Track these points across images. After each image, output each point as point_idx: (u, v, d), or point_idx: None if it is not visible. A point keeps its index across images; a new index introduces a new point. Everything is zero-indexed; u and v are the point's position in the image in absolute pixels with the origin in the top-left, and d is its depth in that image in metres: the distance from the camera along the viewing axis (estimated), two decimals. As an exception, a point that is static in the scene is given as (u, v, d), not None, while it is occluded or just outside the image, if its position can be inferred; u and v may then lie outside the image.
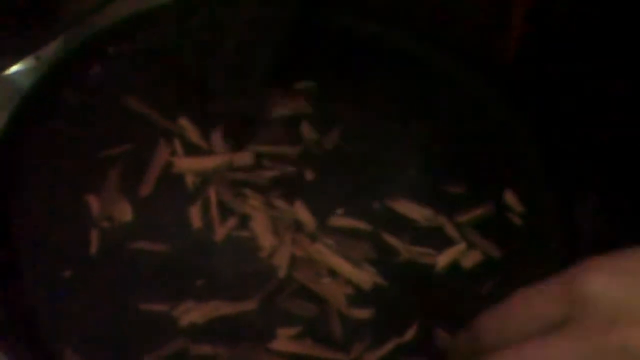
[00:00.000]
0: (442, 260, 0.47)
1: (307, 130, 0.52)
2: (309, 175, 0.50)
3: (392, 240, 0.47)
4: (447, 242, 0.47)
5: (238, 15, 0.59)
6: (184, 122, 0.52)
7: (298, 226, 0.47)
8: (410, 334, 0.43)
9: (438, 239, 0.48)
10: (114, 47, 0.56)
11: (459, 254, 0.47)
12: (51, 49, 0.56)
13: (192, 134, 0.51)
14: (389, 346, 0.43)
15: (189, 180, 0.49)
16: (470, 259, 0.47)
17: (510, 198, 0.50)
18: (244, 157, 0.50)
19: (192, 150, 0.50)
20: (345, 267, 0.45)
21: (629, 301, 0.31)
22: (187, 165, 0.50)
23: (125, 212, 0.47)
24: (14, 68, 0.55)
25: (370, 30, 0.58)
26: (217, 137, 0.51)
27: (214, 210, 0.47)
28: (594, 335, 0.30)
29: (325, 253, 0.46)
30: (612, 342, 0.30)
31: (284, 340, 0.42)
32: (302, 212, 0.48)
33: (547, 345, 0.31)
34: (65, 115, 0.52)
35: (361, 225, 0.48)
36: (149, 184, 0.48)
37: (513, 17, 0.56)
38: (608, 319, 0.30)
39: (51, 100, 0.52)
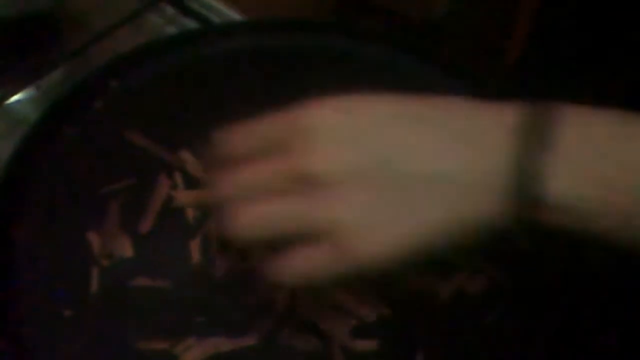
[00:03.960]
0: (446, 287, 0.46)
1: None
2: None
3: (394, 267, 0.46)
4: (452, 268, 0.46)
5: (240, 45, 0.59)
6: (186, 156, 0.52)
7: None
8: (415, 365, 0.43)
9: (442, 265, 0.47)
10: (115, 81, 0.56)
11: (463, 280, 0.46)
12: (52, 79, 0.57)
13: (194, 167, 0.51)
14: (393, 379, 0.42)
15: (190, 214, 0.48)
16: (476, 285, 0.46)
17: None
18: None
19: (193, 183, 0.50)
20: (348, 299, 0.45)
21: (335, 134, 0.35)
22: (188, 198, 0.49)
23: (125, 248, 0.47)
24: (15, 97, 0.56)
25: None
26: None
27: (214, 245, 0.47)
28: (292, 158, 0.36)
29: (327, 284, 0.45)
30: (300, 165, 0.35)
31: (285, 376, 0.42)
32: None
33: (254, 167, 0.37)
34: (66, 150, 0.52)
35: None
36: (149, 219, 0.48)
37: (519, 17, 0.55)
38: (312, 147, 0.35)
39: (53, 135, 0.53)
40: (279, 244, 0.37)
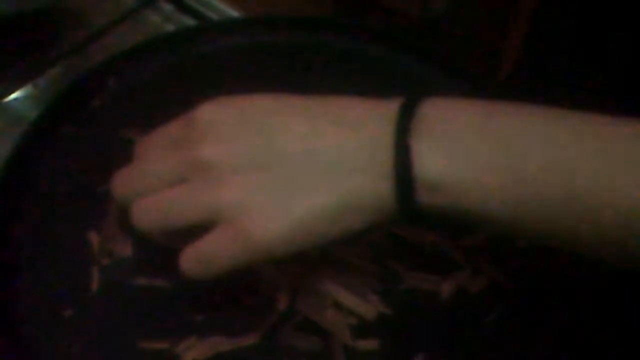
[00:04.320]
0: (447, 286, 0.46)
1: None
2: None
3: (395, 266, 0.46)
4: (452, 267, 0.47)
5: (239, 43, 0.59)
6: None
7: (300, 256, 0.46)
8: (416, 364, 0.43)
9: (443, 265, 0.47)
10: (113, 79, 0.56)
11: (464, 279, 0.46)
12: (50, 77, 0.57)
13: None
14: (394, 378, 0.42)
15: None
16: (476, 285, 0.46)
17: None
18: None
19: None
20: (348, 298, 0.45)
21: (224, 126, 0.38)
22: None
23: (125, 248, 0.47)
24: (13, 95, 0.56)
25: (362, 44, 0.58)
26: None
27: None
28: (185, 149, 0.38)
29: (328, 283, 0.45)
30: (192, 155, 0.38)
31: (286, 376, 0.42)
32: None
33: (148, 161, 0.41)
34: (65, 148, 0.52)
35: (363, 252, 0.47)
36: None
37: (517, 18, 0.55)
38: (203, 138, 0.38)
39: (51, 133, 0.52)
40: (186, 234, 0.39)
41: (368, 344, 0.43)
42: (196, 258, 0.39)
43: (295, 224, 0.37)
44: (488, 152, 0.35)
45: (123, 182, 0.41)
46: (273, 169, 0.37)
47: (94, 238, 0.47)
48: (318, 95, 0.40)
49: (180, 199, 0.38)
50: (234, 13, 0.65)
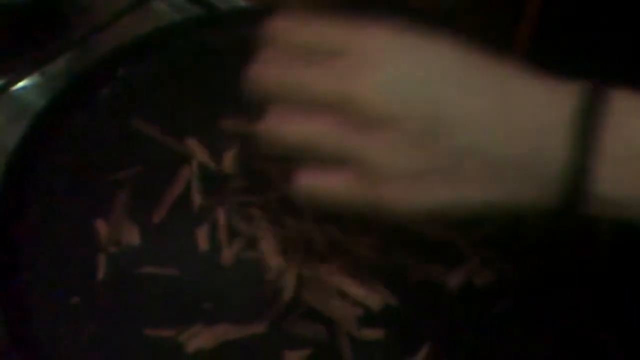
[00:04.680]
0: (454, 278, 0.46)
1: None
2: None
3: (402, 258, 0.46)
4: (459, 259, 0.46)
5: (248, 32, 0.58)
6: (193, 143, 0.51)
7: (307, 246, 0.47)
8: (421, 355, 0.43)
9: (450, 256, 0.47)
10: (123, 69, 0.56)
11: (471, 271, 0.46)
12: (57, 67, 0.57)
13: (202, 155, 0.51)
14: (400, 368, 0.42)
15: (196, 202, 0.48)
16: (483, 277, 0.46)
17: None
18: None
19: (209, 177, 0.50)
20: (355, 288, 0.45)
21: (400, 65, 0.33)
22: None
23: (133, 236, 0.47)
24: (21, 84, 0.56)
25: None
26: (228, 158, 0.51)
27: (222, 233, 0.47)
28: (346, 72, 0.34)
29: (334, 273, 0.45)
30: (351, 85, 0.33)
31: (292, 364, 0.42)
32: (313, 231, 0.47)
33: (301, 68, 0.35)
34: (73, 138, 0.52)
35: (371, 242, 0.47)
36: (163, 210, 0.48)
37: (527, 8, 0.55)
38: (371, 68, 0.33)
39: (60, 122, 0.53)
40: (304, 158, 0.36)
41: (373, 334, 0.43)
42: (314, 188, 0.36)
43: (439, 212, 0.35)
44: None
45: (268, 75, 0.37)
46: (437, 152, 0.33)
47: (101, 226, 0.47)
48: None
49: (325, 134, 0.35)
50: (241, 3, 0.65)
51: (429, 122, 0.33)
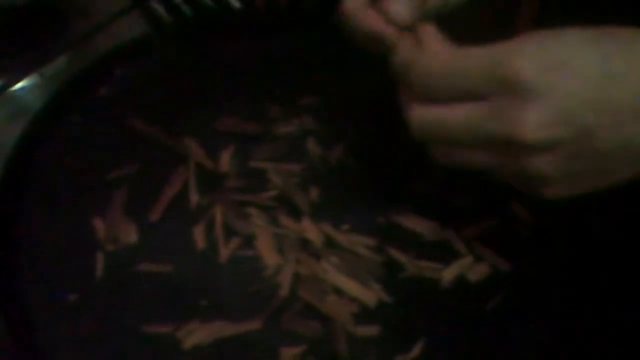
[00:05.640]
0: (448, 274, 0.46)
1: (312, 146, 0.52)
2: (314, 191, 0.50)
3: (397, 255, 0.47)
4: (454, 256, 0.47)
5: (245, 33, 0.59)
6: (190, 142, 0.52)
7: (303, 244, 0.47)
8: (416, 351, 0.43)
9: (444, 253, 0.47)
10: (121, 69, 0.57)
11: (465, 267, 0.46)
12: (56, 67, 0.57)
13: (199, 154, 0.51)
14: (394, 364, 0.42)
15: (193, 200, 0.49)
16: (477, 273, 0.46)
17: (518, 209, 0.49)
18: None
19: (206, 176, 0.50)
20: (350, 285, 0.45)
21: (547, 90, 0.33)
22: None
23: (130, 235, 0.47)
24: (19, 85, 0.56)
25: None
26: (225, 157, 0.51)
27: (219, 231, 0.47)
28: (502, 111, 0.34)
29: (330, 270, 0.46)
30: (509, 130, 0.34)
31: (288, 360, 0.42)
32: (309, 229, 0.48)
33: (459, 109, 0.36)
34: (72, 138, 0.53)
35: (366, 240, 0.47)
36: (160, 209, 0.48)
37: (518, 26, 0.55)
38: (520, 102, 0.34)
39: (58, 121, 0.53)
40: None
41: (368, 330, 0.44)
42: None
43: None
44: None
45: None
46: (590, 156, 0.35)
47: (99, 225, 0.47)
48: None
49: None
50: (236, 4, 0.65)
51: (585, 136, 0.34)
